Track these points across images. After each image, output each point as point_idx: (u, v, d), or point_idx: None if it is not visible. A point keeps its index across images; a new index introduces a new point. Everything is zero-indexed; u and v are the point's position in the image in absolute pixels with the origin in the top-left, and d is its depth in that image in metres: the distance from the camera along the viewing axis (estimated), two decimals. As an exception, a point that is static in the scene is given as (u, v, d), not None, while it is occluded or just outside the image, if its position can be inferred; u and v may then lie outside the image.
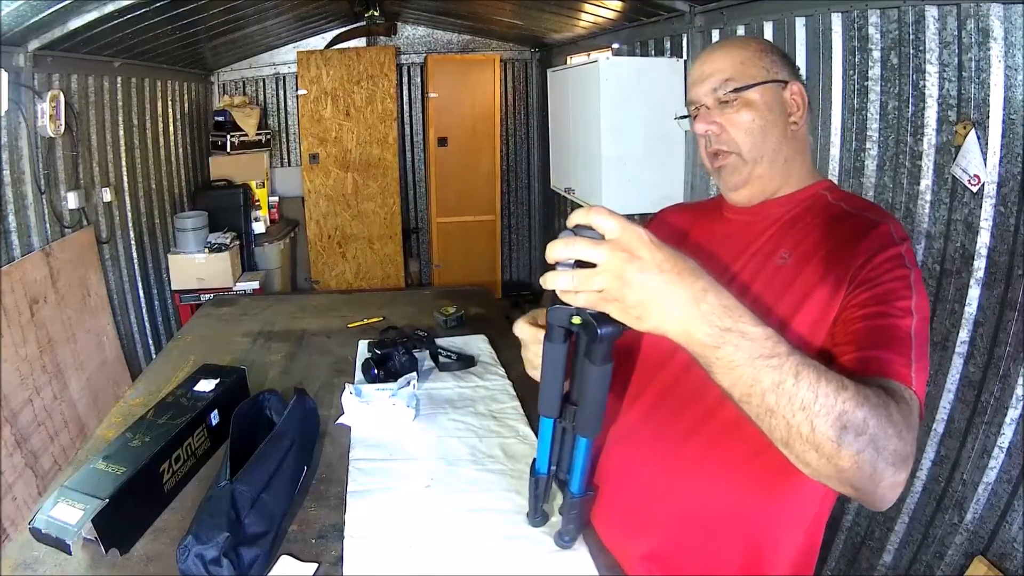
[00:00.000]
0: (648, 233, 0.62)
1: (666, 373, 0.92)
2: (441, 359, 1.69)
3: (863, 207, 0.90)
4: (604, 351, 0.72)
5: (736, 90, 0.89)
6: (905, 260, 0.80)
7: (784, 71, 0.92)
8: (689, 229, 1.03)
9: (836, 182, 1.95)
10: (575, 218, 0.63)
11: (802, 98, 0.92)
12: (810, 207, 0.91)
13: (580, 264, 0.62)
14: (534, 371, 0.86)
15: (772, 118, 0.90)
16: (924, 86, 1.63)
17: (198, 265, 3.78)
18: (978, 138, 1.48)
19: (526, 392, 1.50)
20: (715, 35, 2.61)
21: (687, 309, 0.61)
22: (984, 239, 1.51)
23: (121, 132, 3.36)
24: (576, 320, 0.71)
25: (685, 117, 0.98)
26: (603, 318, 0.67)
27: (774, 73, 0.91)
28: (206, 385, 1.36)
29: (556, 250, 0.63)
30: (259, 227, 4.38)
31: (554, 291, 0.67)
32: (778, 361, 0.62)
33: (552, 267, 0.65)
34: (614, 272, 0.60)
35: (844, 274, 0.80)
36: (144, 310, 3.53)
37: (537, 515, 1.03)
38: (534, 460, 0.96)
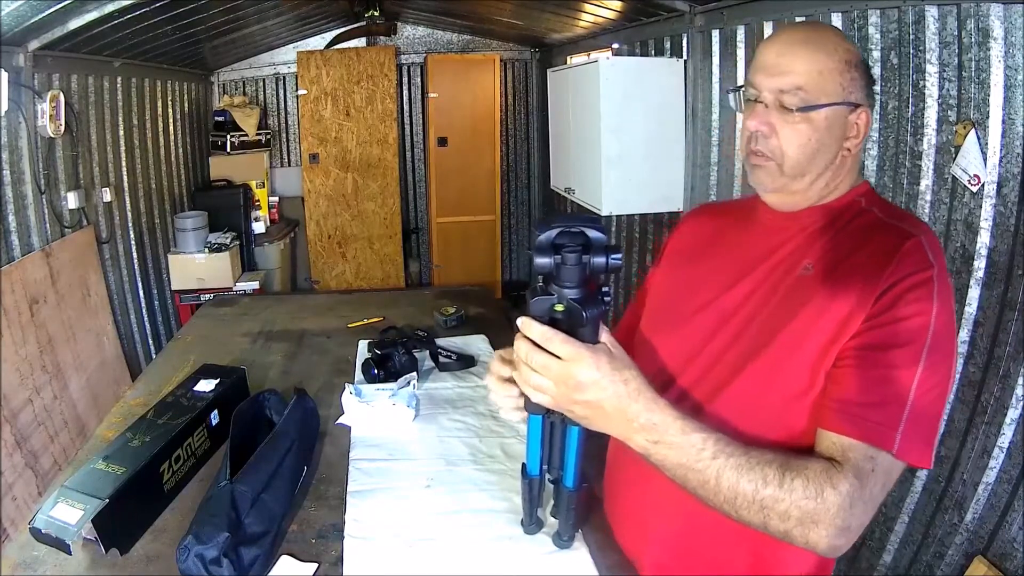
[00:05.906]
0: (595, 366, 0.71)
1: (682, 381, 0.91)
2: (441, 359, 1.69)
3: (896, 215, 0.85)
4: (590, 333, 0.73)
5: (804, 107, 0.82)
6: (934, 288, 0.75)
7: (859, 92, 0.84)
8: (714, 233, 1.00)
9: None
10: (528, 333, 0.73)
11: (866, 126, 0.86)
12: (841, 214, 0.87)
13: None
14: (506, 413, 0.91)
15: (828, 141, 0.84)
16: (924, 86, 1.62)
17: (198, 265, 3.79)
18: (978, 138, 1.48)
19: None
20: (715, 35, 2.60)
21: (623, 431, 0.75)
22: (984, 239, 1.50)
23: (121, 132, 3.36)
24: (559, 307, 0.73)
25: (739, 88, 0.91)
26: (586, 301, 0.71)
27: (848, 93, 0.83)
28: (206, 385, 1.36)
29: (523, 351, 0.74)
30: (259, 227, 4.38)
31: (538, 283, 0.77)
32: (702, 466, 0.73)
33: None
34: (563, 399, 0.74)
35: (866, 295, 0.76)
36: (144, 310, 3.53)
37: (532, 521, 1.01)
38: (523, 464, 0.94)
